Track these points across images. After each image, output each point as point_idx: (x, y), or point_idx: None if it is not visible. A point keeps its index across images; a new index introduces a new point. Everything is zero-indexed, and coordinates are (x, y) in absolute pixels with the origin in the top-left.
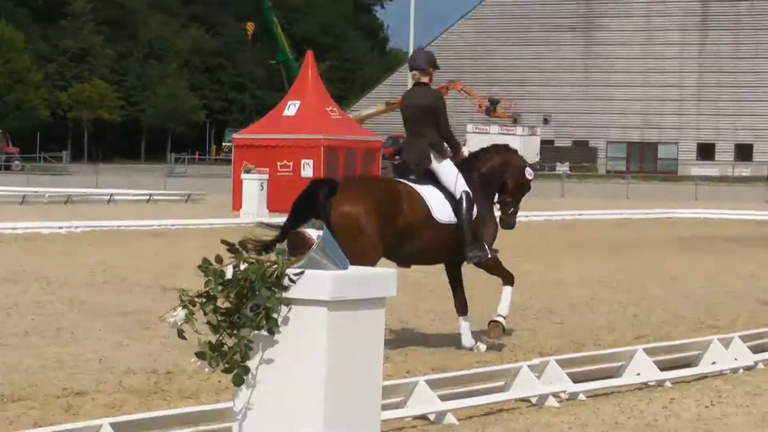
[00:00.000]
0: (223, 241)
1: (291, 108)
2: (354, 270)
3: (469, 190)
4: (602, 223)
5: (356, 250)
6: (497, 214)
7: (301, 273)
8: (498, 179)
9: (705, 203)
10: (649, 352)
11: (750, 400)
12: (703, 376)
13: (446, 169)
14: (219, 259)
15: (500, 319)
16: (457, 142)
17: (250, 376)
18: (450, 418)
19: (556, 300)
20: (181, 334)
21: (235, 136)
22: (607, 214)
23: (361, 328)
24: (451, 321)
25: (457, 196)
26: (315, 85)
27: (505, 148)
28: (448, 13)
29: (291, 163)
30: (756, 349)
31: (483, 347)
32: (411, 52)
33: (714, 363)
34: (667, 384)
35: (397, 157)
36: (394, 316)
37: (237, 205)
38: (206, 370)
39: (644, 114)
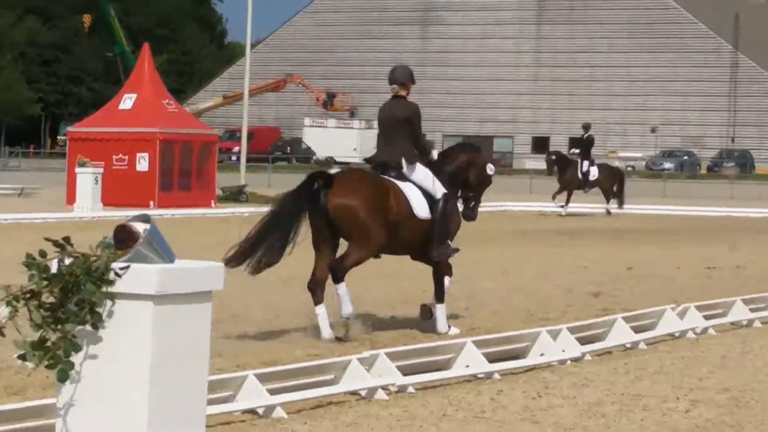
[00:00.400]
0: (47, 239)
1: (127, 101)
2: (180, 264)
3: (447, 192)
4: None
5: (358, 239)
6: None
7: (127, 267)
8: (463, 176)
9: (539, 196)
10: (479, 344)
11: (576, 391)
12: (532, 368)
13: (420, 173)
14: (43, 254)
15: (434, 304)
16: (427, 149)
17: (74, 371)
18: (279, 412)
19: (390, 293)
20: (0, 331)
21: (69, 129)
22: None
23: (187, 322)
24: (285, 315)
25: (438, 197)
26: (151, 78)
27: (470, 147)
28: (286, 7)
29: (126, 157)
30: (584, 341)
31: (456, 330)
32: (249, 43)
33: (542, 354)
34: (496, 376)
35: (367, 161)
36: (226, 310)
37: (71, 199)
38: (29, 366)
39: (480, 108)
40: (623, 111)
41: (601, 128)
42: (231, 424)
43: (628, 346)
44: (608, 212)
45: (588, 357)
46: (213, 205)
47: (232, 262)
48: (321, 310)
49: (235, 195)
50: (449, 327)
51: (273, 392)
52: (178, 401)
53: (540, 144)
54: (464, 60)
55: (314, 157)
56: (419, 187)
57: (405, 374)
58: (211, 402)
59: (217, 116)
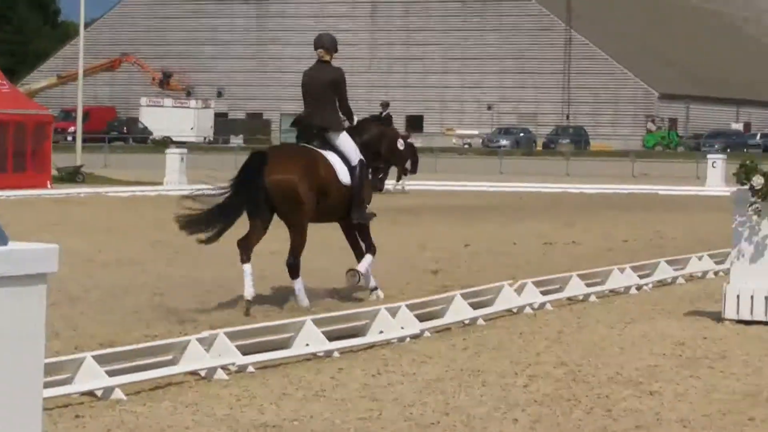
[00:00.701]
0: None
1: None
2: (12, 246)
3: (363, 159)
4: None
5: (294, 211)
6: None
7: None
8: (374, 147)
9: None
10: (318, 322)
11: (416, 368)
12: (371, 345)
13: (344, 140)
14: None
15: (359, 269)
16: (351, 113)
17: None
18: (118, 394)
19: (227, 272)
20: None
21: None
22: None
23: (20, 305)
24: (123, 296)
25: (354, 163)
26: None
27: (384, 120)
28: None
29: None
30: (422, 318)
31: (381, 294)
32: (83, 22)
33: (381, 332)
34: (336, 354)
35: (295, 125)
36: (64, 292)
37: None
38: None
39: None
40: (459, 89)
41: (437, 106)
42: (69, 407)
43: (466, 322)
44: (403, 189)
45: (427, 334)
46: (49, 186)
47: (188, 228)
48: (247, 268)
49: (72, 175)
50: (377, 289)
51: (111, 374)
52: (13, 385)
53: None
54: (301, 39)
55: (151, 137)
56: (339, 154)
57: (245, 354)
58: (48, 385)
59: (51, 96)
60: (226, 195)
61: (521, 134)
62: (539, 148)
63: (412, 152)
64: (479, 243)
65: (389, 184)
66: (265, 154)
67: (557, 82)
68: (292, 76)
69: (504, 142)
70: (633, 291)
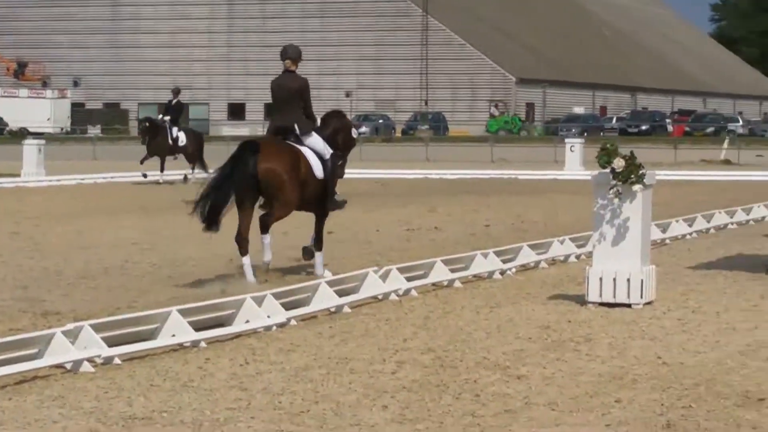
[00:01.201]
0: None
1: None
2: None
3: (333, 153)
4: (140, 186)
5: (282, 197)
6: None
7: None
8: (335, 139)
9: None
10: (184, 312)
11: (284, 356)
12: (238, 335)
13: (314, 139)
14: None
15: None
16: (314, 116)
17: None
18: None
19: (90, 264)
20: None
21: None
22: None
23: None
24: None
25: (326, 158)
26: None
27: (338, 114)
28: None
29: None
30: (288, 306)
31: (329, 274)
32: None
33: (248, 321)
34: (202, 344)
35: (271, 130)
36: None
37: None
38: None
39: (174, 75)
40: (317, 76)
41: None
42: None
43: (332, 310)
44: (186, 178)
45: (293, 322)
46: None
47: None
48: (246, 260)
49: None
50: (325, 270)
51: None
52: None
53: (236, 111)
54: (157, 27)
55: (7, 128)
56: (312, 150)
57: (110, 345)
58: None
59: None
60: (219, 177)
61: (380, 121)
62: (398, 134)
63: (199, 143)
64: (342, 230)
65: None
66: (257, 144)
67: (415, 68)
68: (149, 65)
69: (363, 128)
70: (497, 276)
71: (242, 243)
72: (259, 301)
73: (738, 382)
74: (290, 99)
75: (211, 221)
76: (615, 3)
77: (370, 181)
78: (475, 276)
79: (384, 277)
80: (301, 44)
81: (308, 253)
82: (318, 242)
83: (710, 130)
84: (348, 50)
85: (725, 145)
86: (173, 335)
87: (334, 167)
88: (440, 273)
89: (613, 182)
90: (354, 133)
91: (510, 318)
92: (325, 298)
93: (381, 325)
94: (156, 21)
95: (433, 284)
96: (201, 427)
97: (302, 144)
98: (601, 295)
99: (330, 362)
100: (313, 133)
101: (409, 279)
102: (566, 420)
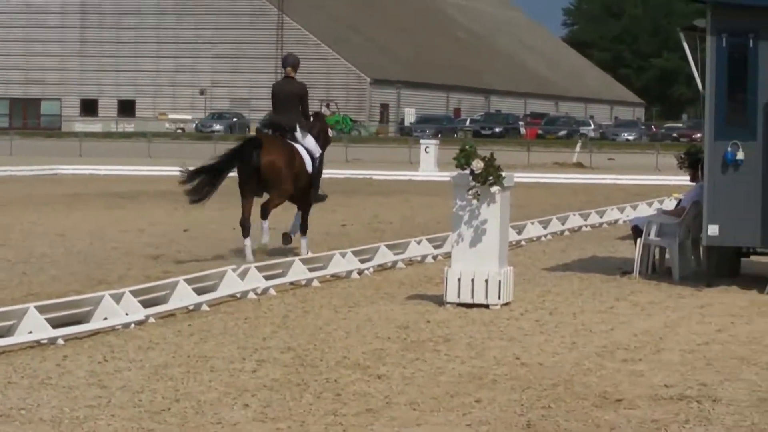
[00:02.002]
0: None
1: None
2: None
3: (321, 152)
4: None
5: (281, 187)
6: None
7: None
8: (318, 138)
9: (90, 159)
10: (41, 309)
11: (143, 354)
12: (96, 332)
13: (308, 138)
14: None
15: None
16: (310, 117)
17: None
18: None
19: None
20: None
21: None
22: None
23: None
24: None
25: (316, 156)
26: None
27: (321, 117)
28: None
29: None
30: (147, 304)
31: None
32: None
33: (106, 318)
34: (60, 341)
35: (268, 126)
36: None
37: None
38: None
39: (26, 70)
40: (173, 73)
41: (150, 91)
42: None
43: (191, 308)
44: None
45: (152, 320)
46: None
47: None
48: (248, 242)
49: None
50: (308, 251)
51: None
52: None
53: (89, 107)
54: (10, 21)
55: None
56: (305, 148)
57: None
58: None
59: None
60: (218, 162)
61: (234, 119)
62: (252, 132)
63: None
64: (198, 228)
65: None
66: (260, 140)
67: (270, 66)
68: (1, 60)
69: (217, 126)
70: (355, 275)
71: (245, 227)
72: (117, 298)
73: (596, 383)
74: (290, 102)
75: (198, 194)
76: (470, 6)
77: (227, 179)
78: (333, 275)
79: (242, 275)
80: (156, 41)
81: (287, 239)
82: (303, 228)
83: (562, 133)
84: (204, 48)
85: (577, 148)
86: (30, 332)
87: (321, 164)
88: (298, 272)
89: (472, 183)
90: (330, 132)
91: (369, 318)
92: (183, 296)
93: (240, 323)
94: (9, 15)
95: (292, 283)
96: (60, 425)
97: (297, 142)
98: (459, 296)
99: (190, 360)
100: (308, 134)
101: (267, 278)
102: (428, 419)
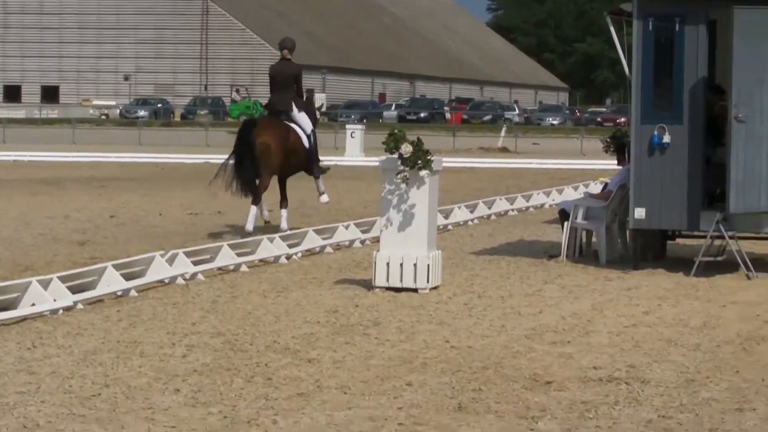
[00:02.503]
0: None
1: None
2: None
3: (314, 129)
4: None
5: (270, 165)
6: None
7: None
8: (310, 116)
9: (14, 145)
10: None
11: (72, 340)
12: (24, 318)
13: (301, 116)
14: None
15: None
16: (305, 97)
17: None
18: None
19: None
20: None
21: None
22: None
23: None
24: None
25: (308, 132)
26: None
27: (309, 96)
28: None
29: None
30: (74, 290)
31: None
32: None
33: (33, 305)
34: None
35: (263, 106)
36: None
37: None
38: None
39: None
40: (96, 59)
41: (73, 77)
42: None
43: (119, 293)
44: None
45: (80, 306)
46: None
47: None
48: (253, 210)
49: None
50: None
51: None
52: None
53: (12, 93)
54: None
55: None
56: (299, 126)
57: None
58: None
59: None
60: (235, 160)
61: (159, 105)
62: (177, 118)
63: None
64: (125, 214)
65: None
66: (255, 122)
67: (195, 53)
68: None
69: (142, 113)
70: (283, 260)
71: (255, 197)
72: (45, 284)
73: (525, 365)
74: (286, 82)
75: (250, 193)
76: None
77: (150, 165)
78: (261, 260)
79: (170, 261)
80: (78, 27)
81: (320, 170)
82: (284, 203)
83: (487, 118)
84: (127, 33)
85: (503, 132)
86: None
87: (316, 139)
88: (227, 257)
89: (401, 168)
90: (318, 112)
91: (298, 302)
92: (111, 282)
93: (169, 309)
94: None
95: (220, 268)
96: None
97: (292, 120)
98: (388, 280)
99: (119, 346)
100: (302, 111)
101: (195, 263)
102: (359, 403)
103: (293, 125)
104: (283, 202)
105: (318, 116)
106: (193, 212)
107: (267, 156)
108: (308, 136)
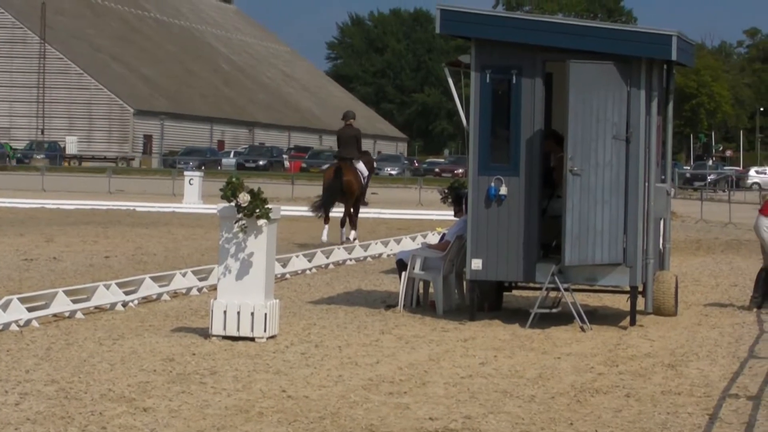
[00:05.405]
0: None
1: None
2: None
3: (369, 173)
4: None
5: (353, 199)
6: None
7: None
8: (366, 163)
9: None
10: None
11: None
12: None
13: (360, 164)
14: None
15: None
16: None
17: None
18: None
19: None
20: None
21: None
22: None
23: None
24: None
25: (365, 175)
26: None
27: (367, 152)
28: None
29: None
30: None
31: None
32: None
33: None
34: None
35: (335, 156)
36: None
37: None
38: None
39: None
40: None
41: None
42: None
43: None
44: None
45: None
46: None
47: (317, 211)
48: (326, 228)
49: None
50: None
51: None
52: None
53: None
54: None
55: None
56: (359, 170)
57: None
58: None
59: None
60: (326, 193)
61: None
62: (13, 162)
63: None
64: None
65: None
66: (341, 167)
67: (31, 96)
68: None
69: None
70: (119, 307)
71: (326, 219)
72: None
73: (362, 416)
74: (351, 141)
75: (324, 211)
76: (234, 38)
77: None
78: (97, 307)
79: (4, 307)
80: None
81: (365, 203)
82: (353, 224)
83: (326, 166)
84: None
85: None
86: None
87: (368, 181)
88: (62, 304)
89: (239, 216)
90: (374, 163)
91: (134, 350)
92: None
93: (2, 356)
94: None
95: (54, 315)
96: None
97: (354, 167)
98: (225, 329)
99: None
100: (360, 161)
101: (30, 309)
102: None
103: (358, 167)
104: (353, 223)
105: (375, 165)
106: (27, 258)
107: (350, 190)
108: (364, 178)
